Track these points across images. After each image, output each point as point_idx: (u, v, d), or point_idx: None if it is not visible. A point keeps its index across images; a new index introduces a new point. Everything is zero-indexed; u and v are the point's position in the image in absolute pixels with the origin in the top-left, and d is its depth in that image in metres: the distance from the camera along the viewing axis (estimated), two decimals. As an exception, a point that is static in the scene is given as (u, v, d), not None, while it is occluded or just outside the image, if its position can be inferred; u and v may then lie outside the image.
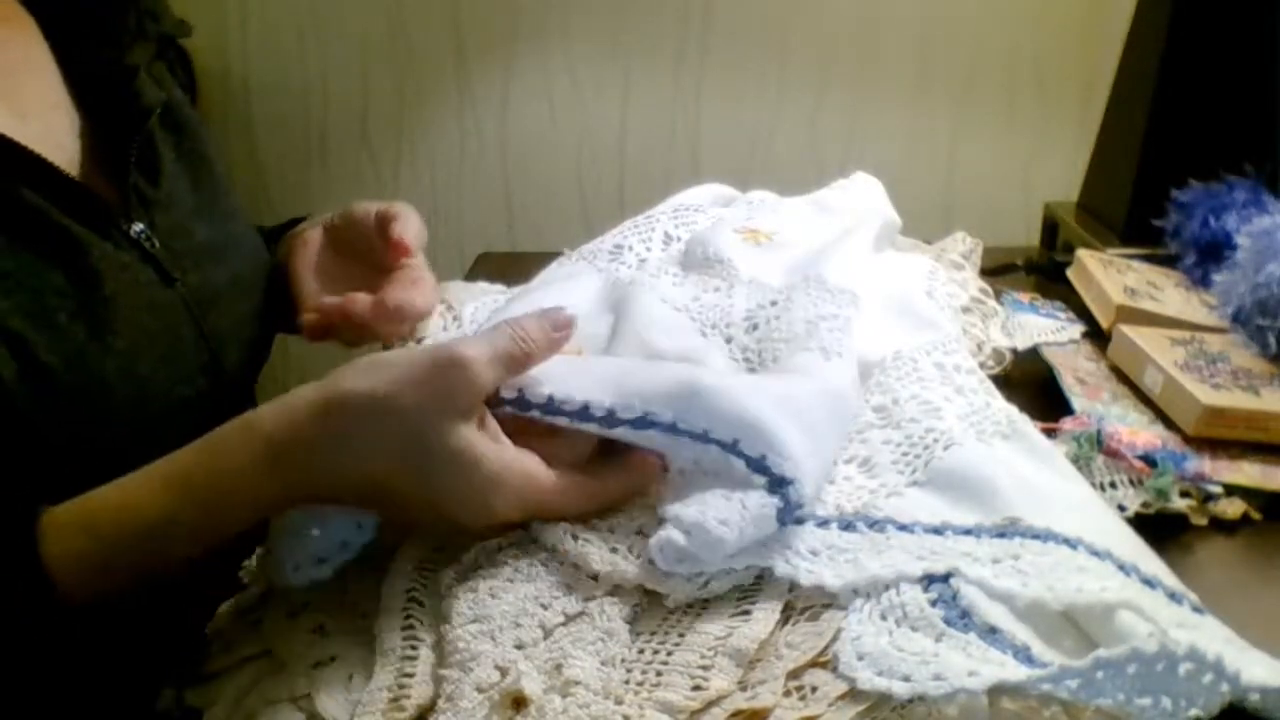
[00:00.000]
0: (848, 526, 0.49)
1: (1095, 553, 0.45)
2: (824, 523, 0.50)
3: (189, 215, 0.67)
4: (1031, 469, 0.53)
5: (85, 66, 0.64)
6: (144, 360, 0.59)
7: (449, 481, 0.47)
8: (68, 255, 0.57)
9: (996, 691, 0.38)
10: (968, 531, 0.48)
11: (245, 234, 0.74)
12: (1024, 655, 0.40)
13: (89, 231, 0.58)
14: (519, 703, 0.41)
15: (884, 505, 0.51)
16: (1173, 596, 0.44)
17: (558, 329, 0.52)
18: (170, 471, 0.48)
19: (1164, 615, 0.42)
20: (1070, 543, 0.46)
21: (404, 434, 0.46)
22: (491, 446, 0.48)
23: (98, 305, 0.57)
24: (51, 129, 0.61)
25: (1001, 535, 0.47)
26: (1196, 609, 0.44)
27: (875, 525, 0.49)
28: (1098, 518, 0.50)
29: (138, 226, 0.62)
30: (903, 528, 0.48)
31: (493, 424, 0.49)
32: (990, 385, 0.61)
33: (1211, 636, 0.41)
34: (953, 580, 0.44)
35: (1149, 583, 0.44)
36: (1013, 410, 0.58)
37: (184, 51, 0.77)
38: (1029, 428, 0.57)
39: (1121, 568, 0.45)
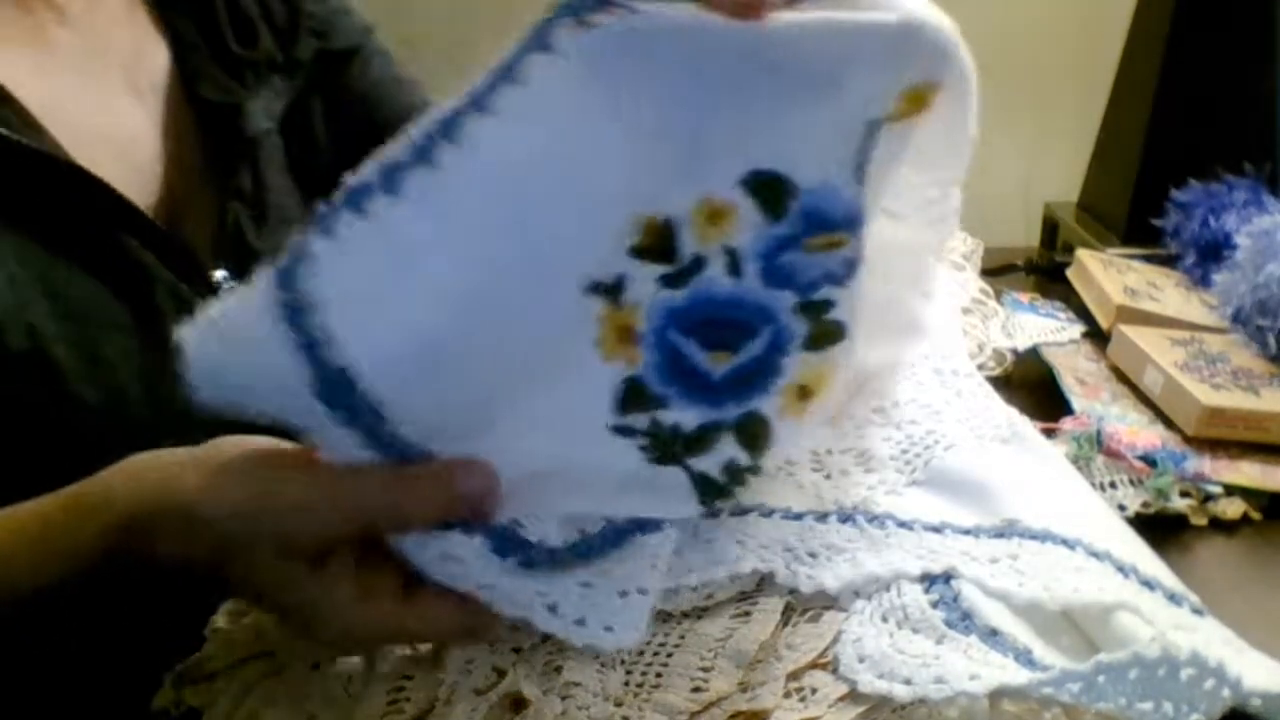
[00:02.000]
0: (846, 520, 0.49)
1: (1094, 553, 0.45)
2: (823, 517, 0.49)
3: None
4: (1032, 472, 0.53)
5: (203, 95, 0.63)
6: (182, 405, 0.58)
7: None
8: (136, 295, 0.56)
9: (998, 694, 0.38)
10: (967, 531, 0.48)
11: None
12: (1025, 658, 0.40)
13: (167, 273, 0.56)
14: (518, 705, 0.41)
15: (883, 502, 0.51)
16: (1172, 598, 0.44)
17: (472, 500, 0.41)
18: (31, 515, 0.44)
19: (1163, 617, 0.42)
20: (1069, 543, 0.46)
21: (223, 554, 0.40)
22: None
23: (154, 348, 0.55)
24: (158, 158, 0.60)
25: (1000, 535, 0.47)
26: (1196, 610, 0.44)
27: (875, 520, 0.49)
28: (1097, 519, 0.50)
29: (221, 273, 0.60)
30: (902, 524, 0.48)
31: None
32: (990, 389, 0.61)
33: (1210, 639, 0.41)
34: (954, 581, 0.44)
35: (1148, 584, 0.44)
36: (1013, 413, 0.58)
37: (373, 54, 0.74)
38: (1029, 430, 0.57)
39: (1120, 569, 0.45)
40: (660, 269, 0.42)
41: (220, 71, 0.63)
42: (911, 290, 0.62)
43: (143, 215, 0.56)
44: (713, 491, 0.47)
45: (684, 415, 0.45)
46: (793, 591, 0.46)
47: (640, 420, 0.45)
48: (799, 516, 0.49)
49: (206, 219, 0.61)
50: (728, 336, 0.44)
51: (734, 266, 0.43)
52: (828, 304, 0.45)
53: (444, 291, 0.37)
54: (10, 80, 0.54)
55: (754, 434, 0.47)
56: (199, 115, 0.63)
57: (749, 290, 0.43)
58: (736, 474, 0.47)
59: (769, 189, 0.41)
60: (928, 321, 0.64)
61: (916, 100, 0.44)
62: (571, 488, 0.45)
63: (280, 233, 0.64)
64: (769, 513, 0.49)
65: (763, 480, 0.50)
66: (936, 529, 0.48)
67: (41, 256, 0.53)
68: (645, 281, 0.42)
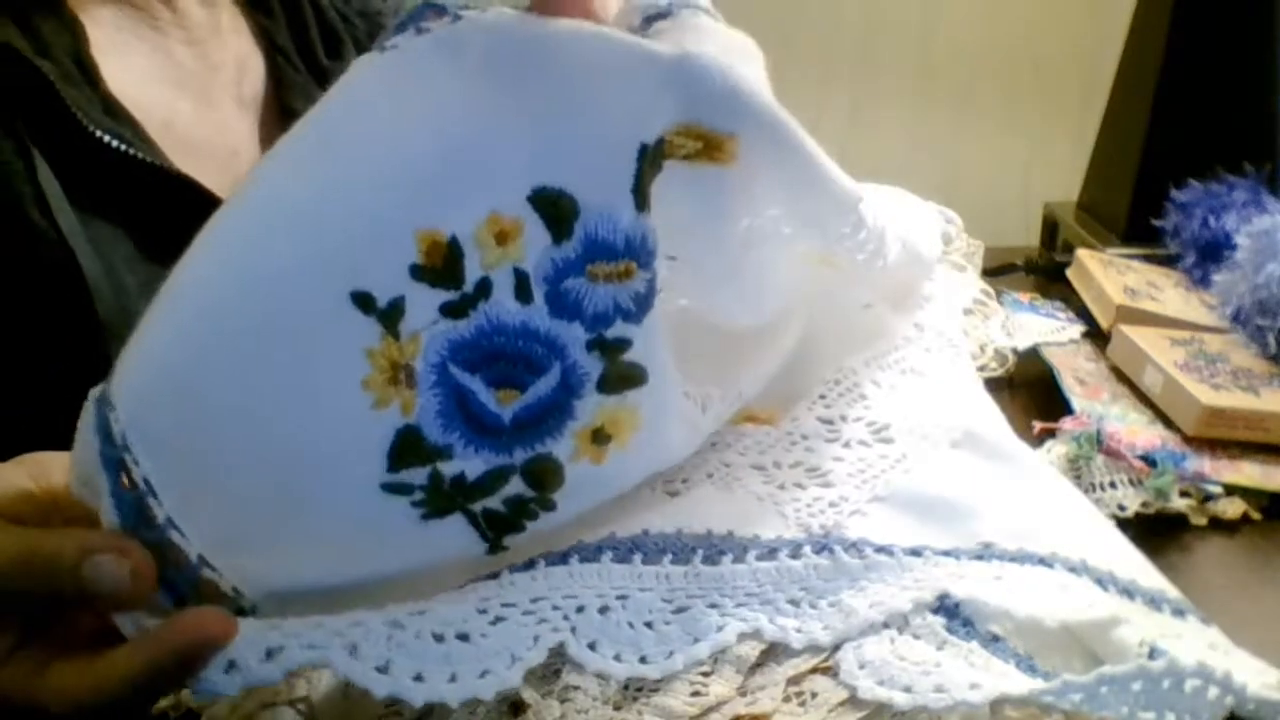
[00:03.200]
0: (821, 550, 0.46)
1: (1071, 568, 0.45)
2: (796, 550, 0.46)
3: None
4: (992, 479, 0.53)
5: (294, 107, 0.64)
6: None
7: None
8: None
9: (999, 700, 0.38)
10: (946, 553, 0.47)
11: None
12: (1026, 664, 0.40)
13: None
14: (516, 708, 0.41)
15: (851, 525, 0.49)
16: (1152, 601, 0.44)
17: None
18: None
19: (1148, 625, 0.42)
20: (1046, 561, 0.45)
21: None
22: None
23: None
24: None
25: (979, 558, 0.46)
26: (1177, 612, 0.44)
27: (852, 549, 0.46)
28: (1064, 521, 0.50)
29: None
30: (880, 549, 0.46)
31: None
32: (945, 388, 0.60)
33: (1196, 643, 0.41)
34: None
35: (1128, 592, 0.44)
36: (967, 411, 0.58)
37: None
38: (982, 426, 0.57)
39: (1099, 580, 0.45)
40: (443, 295, 0.38)
41: (311, 82, 0.65)
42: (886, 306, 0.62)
43: None
44: (498, 527, 0.42)
45: (468, 464, 0.40)
46: (786, 649, 0.43)
47: (417, 475, 0.39)
48: (772, 552, 0.46)
49: None
50: (515, 372, 0.40)
51: (522, 291, 0.39)
52: (623, 342, 0.41)
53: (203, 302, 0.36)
54: (132, 91, 0.55)
55: (543, 475, 0.42)
56: (288, 126, 0.64)
57: (538, 319, 0.40)
58: (523, 507, 0.42)
59: (554, 206, 0.39)
60: (894, 329, 0.64)
61: (708, 143, 0.42)
62: (329, 557, 0.40)
63: None
64: (741, 554, 0.46)
65: (716, 490, 0.49)
66: (916, 552, 0.46)
67: (148, 266, 0.54)
68: (426, 309, 0.38)
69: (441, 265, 0.38)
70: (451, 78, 0.38)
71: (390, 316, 0.38)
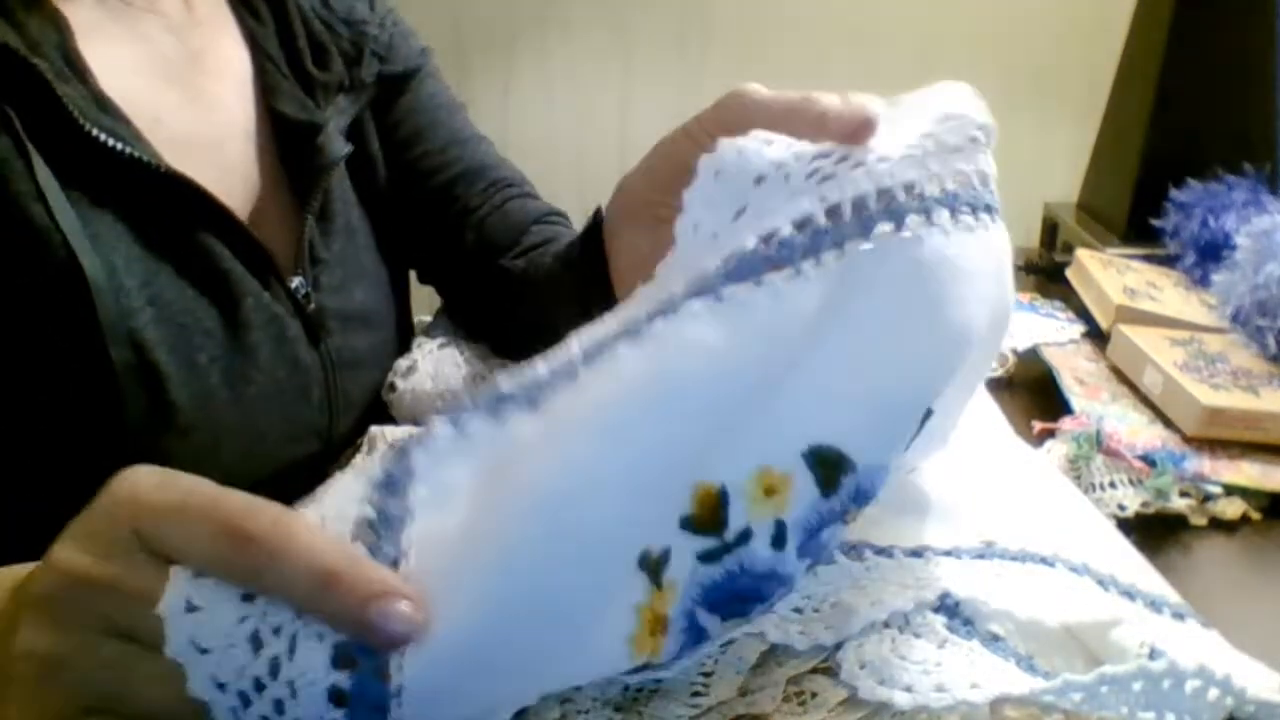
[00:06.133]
0: None
1: (1073, 568, 0.45)
2: None
3: (354, 276, 0.66)
4: (991, 476, 0.53)
5: (281, 110, 0.64)
6: (266, 415, 0.59)
7: None
8: (225, 299, 0.57)
9: (999, 700, 0.38)
10: (946, 553, 0.47)
11: (390, 299, 0.71)
12: (1027, 663, 0.40)
13: (251, 278, 0.58)
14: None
15: (849, 526, 0.49)
16: (1152, 604, 0.44)
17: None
18: None
19: (1147, 627, 0.42)
20: (1047, 561, 0.45)
21: None
22: None
23: (239, 353, 0.57)
24: (242, 162, 0.62)
25: (980, 557, 0.47)
26: (1177, 615, 0.44)
27: (851, 551, 0.46)
28: (1067, 518, 0.50)
29: (298, 280, 0.61)
30: (880, 551, 0.46)
31: None
32: None
33: (1196, 646, 0.41)
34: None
35: (1128, 594, 0.44)
36: (967, 411, 0.57)
37: (427, 76, 0.75)
38: (984, 428, 0.56)
39: (1100, 582, 0.45)
40: (704, 543, 0.37)
41: (297, 89, 0.65)
42: None
43: (234, 218, 0.57)
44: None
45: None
46: (786, 649, 0.43)
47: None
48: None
49: (283, 226, 0.63)
50: (747, 607, 0.40)
51: (779, 540, 0.38)
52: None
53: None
54: (120, 84, 0.55)
55: None
56: (275, 128, 0.64)
57: (785, 562, 0.39)
58: None
59: (829, 465, 0.38)
60: None
61: None
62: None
63: (345, 243, 0.66)
64: None
65: None
66: (916, 553, 0.46)
67: (145, 262, 0.54)
68: (686, 557, 0.37)
69: (709, 516, 0.37)
70: (740, 335, 0.36)
71: (658, 568, 0.37)
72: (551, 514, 0.34)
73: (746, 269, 0.37)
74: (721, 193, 0.39)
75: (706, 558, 0.37)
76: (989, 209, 0.40)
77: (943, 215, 0.37)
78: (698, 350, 0.36)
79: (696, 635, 0.39)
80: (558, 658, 0.37)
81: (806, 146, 0.40)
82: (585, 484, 0.35)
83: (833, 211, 0.37)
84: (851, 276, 0.37)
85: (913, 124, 0.41)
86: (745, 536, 0.38)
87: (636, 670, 0.39)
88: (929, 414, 0.39)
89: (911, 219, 0.37)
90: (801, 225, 0.37)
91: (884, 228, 0.37)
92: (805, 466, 0.37)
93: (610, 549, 0.36)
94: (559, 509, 0.34)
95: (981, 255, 0.38)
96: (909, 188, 0.38)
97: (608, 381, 0.36)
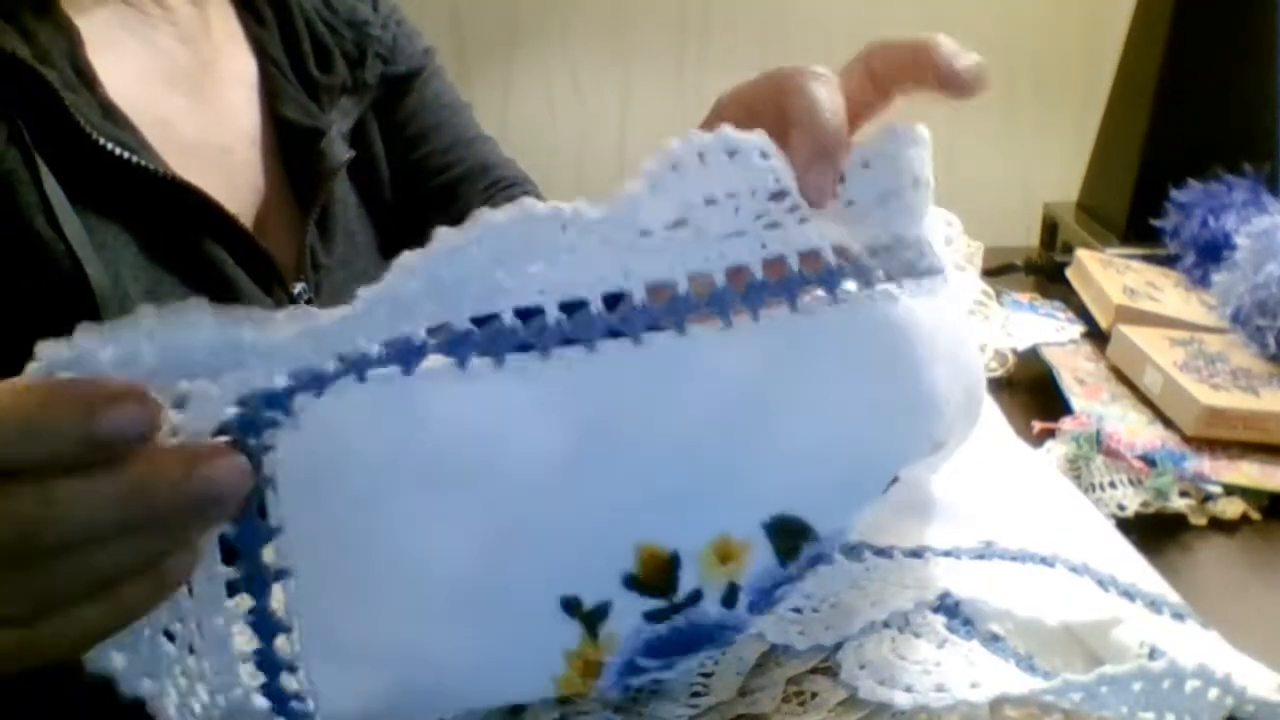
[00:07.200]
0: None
1: (1073, 568, 0.45)
2: None
3: (355, 279, 0.65)
4: (991, 476, 0.53)
5: (285, 115, 0.64)
6: None
7: None
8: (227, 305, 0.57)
9: (999, 700, 0.38)
10: (946, 553, 0.47)
11: None
12: (1027, 663, 0.40)
13: (255, 285, 0.58)
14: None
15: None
16: (1152, 604, 0.44)
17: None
18: None
19: (1148, 628, 0.42)
20: (1047, 560, 0.46)
21: None
22: None
23: None
24: (248, 168, 0.62)
25: (980, 557, 0.47)
26: (1177, 616, 0.44)
27: (851, 552, 0.46)
28: (1066, 518, 0.50)
29: (300, 286, 0.61)
30: (880, 552, 0.46)
31: None
32: None
33: (1195, 647, 0.41)
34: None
35: (1128, 594, 0.44)
36: None
37: (431, 76, 0.74)
38: (984, 428, 0.55)
39: (1100, 582, 0.45)
40: (651, 603, 0.36)
41: (301, 93, 0.65)
42: None
43: (240, 226, 0.57)
44: None
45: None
46: (786, 649, 0.43)
47: None
48: None
49: (286, 231, 0.63)
50: (693, 650, 0.39)
51: (730, 599, 0.37)
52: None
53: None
54: (128, 90, 0.55)
55: None
56: (279, 133, 0.64)
57: (739, 619, 0.38)
58: None
59: (790, 534, 0.37)
60: None
61: None
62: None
63: (345, 247, 0.66)
64: None
65: None
66: (916, 554, 0.46)
67: (149, 271, 0.54)
68: (631, 615, 0.36)
69: (657, 578, 0.36)
70: (707, 388, 0.35)
71: (593, 619, 0.36)
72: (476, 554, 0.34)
73: (670, 310, 0.34)
74: (676, 186, 0.34)
75: (654, 617, 0.37)
76: (937, 271, 0.39)
77: (901, 279, 0.36)
78: (620, 406, 0.34)
79: (635, 673, 0.39)
80: (474, 690, 0.37)
81: (771, 182, 0.35)
82: (497, 532, 0.34)
83: (772, 263, 0.35)
84: (808, 337, 0.35)
85: (859, 180, 0.39)
86: (695, 597, 0.37)
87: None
88: (895, 480, 0.38)
89: (876, 279, 0.36)
90: (734, 274, 0.34)
91: (848, 285, 0.35)
92: (765, 535, 0.36)
93: (527, 595, 0.35)
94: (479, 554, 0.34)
95: (939, 318, 0.38)
96: (870, 248, 0.36)
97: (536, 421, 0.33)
